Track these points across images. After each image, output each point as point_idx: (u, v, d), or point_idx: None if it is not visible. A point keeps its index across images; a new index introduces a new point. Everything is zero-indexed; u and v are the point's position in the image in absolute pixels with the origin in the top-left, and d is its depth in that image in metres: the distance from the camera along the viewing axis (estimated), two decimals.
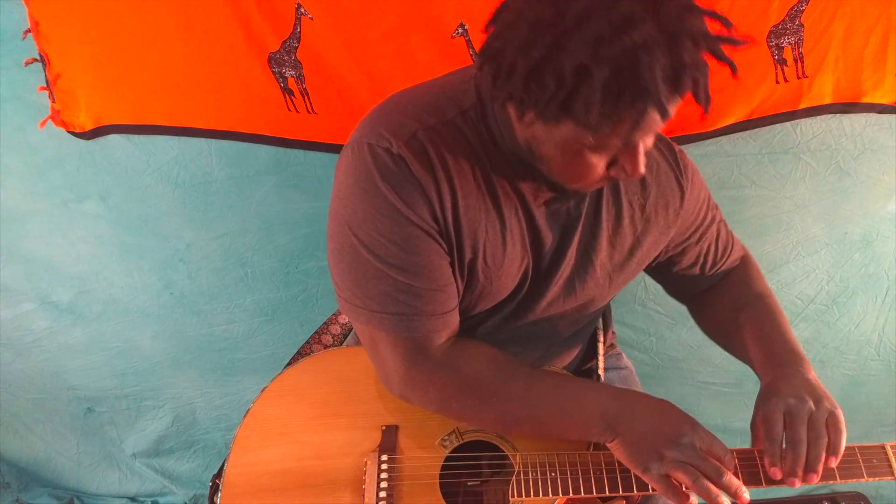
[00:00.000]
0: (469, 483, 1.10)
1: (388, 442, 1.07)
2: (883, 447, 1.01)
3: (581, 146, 0.83)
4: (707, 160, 1.60)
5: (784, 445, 0.93)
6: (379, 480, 1.03)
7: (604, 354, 1.33)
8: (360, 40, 1.48)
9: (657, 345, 1.91)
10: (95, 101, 1.59)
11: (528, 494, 1.00)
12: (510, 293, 1.07)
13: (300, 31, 1.47)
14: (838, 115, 1.54)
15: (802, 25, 1.43)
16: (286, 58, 1.51)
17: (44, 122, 1.61)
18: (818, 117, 1.55)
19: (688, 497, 0.92)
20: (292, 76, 1.53)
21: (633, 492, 0.99)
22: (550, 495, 1.00)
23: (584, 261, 1.07)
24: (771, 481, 0.96)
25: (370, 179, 0.91)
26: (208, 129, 1.62)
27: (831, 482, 0.98)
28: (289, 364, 1.22)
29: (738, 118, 1.53)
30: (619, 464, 0.99)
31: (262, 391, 1.12)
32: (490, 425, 1.06)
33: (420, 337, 0.98)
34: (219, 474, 1.08)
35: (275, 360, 1.95)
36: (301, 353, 1.33)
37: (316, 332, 1.36)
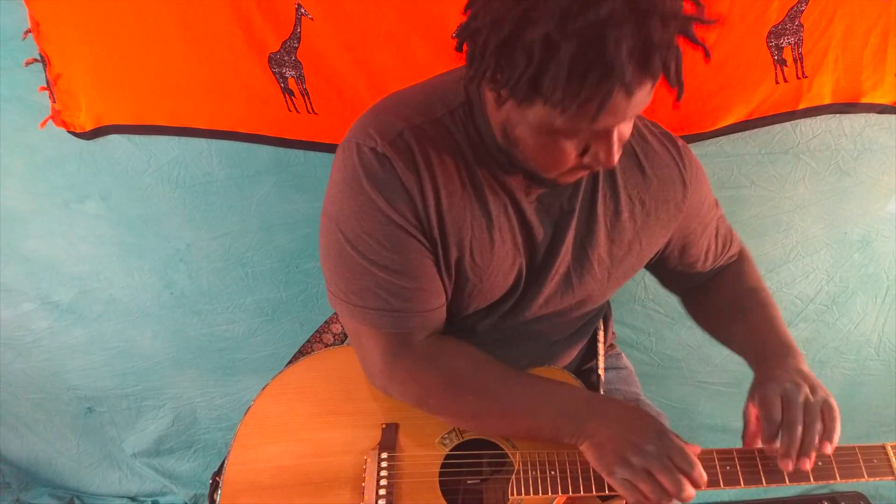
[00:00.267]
0: (469, 481, 1.10)
1: (388, 440, 1.07)
2: (883, 447, 1.01)
3: (552, 129, 0.81)
4: (707, 160, 1.60)
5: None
6: (379, 478, 1.03)
7: (604, 354, 1.33)
8: (360, 40, 1.48)
9: (657, 345, 1.91)
10: (96, 102, 1.59)
11: (527, 493, 1.00)
12: (505, 292, 1.07)
13: (300, 32, 1.48)
14: (838, 115, 1.54)
15: (802, 26, 1.43)
16: (286, 58, 1.51)
17: (44, 123, 1.61)
18: (818, 117, 1.55)
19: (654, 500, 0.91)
20: (292, 76, 1.53)
21: None
22: (550, 493, 1.00)
23: (580, 256, 1.07)
24: (771, 480, 0.97)
25: (356, 178, 0.93)
26: (209, 130, 1.62)
27: (831, 482, 0.98)
28: (290, 363, 1.22)
29: (738, 118, 1.53)
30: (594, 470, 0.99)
31: (262, 389, 1.12)
32: (467, 421, 1.06)
33: (402, 332, 1.00)
34: (219, 472, 1.09)
35: (275, 360, 1.95)
36: (302, 352, 1.33)
37: (317, 331, 1.36)
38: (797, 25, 1.43)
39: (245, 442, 1.08)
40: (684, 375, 1.96)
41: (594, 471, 0.99)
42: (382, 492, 1.02)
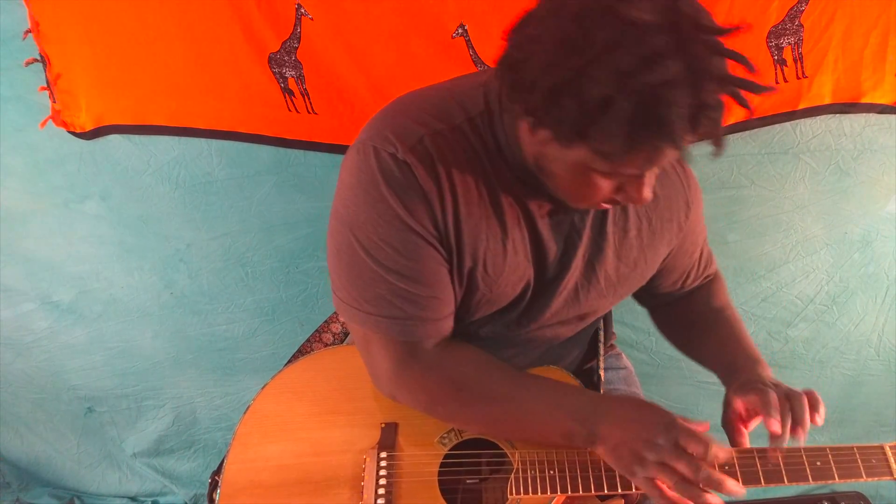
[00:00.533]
0: (468, 481, 1.09)
1: (388, 439, 1.07)
2: (882, 447, 1.01)
3: (591, 170, 0.83)
4: (707, 160, 1.58)
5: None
6: (378, 478, 1.03)
7: (604, 355, 1.33)
8: (360, 40, 1.48)
9: (657, 345, 1.90)
10: (96, 102, 1.60)
11: (526, 492, 1.00)
12: (511, 301, 1.07)
13: (300, 32, 1.48)
14: (838, 115, 1.55)
15: (802, 26, 1.44)
16: (286, 58, 1.51)
17: (44, 123, 1.61)
18: (818, 117, 1.55)
19: (676, 499, 0.91)
20: (292, 76, 1.53)
21: (631, 490, 0.98)
22: (549, 493, 0.99)
23: (588, 273, 1.07)
24: (770, 479, 0.96)
25: (374, 183, 0.90)
26: (209, 130, 1.62)
27: (830, 482, 0.98)
28: (289, 362, 1.22)
29: (738, 118, 1.53)
30: (608, 469, 0.99)
31: (262, 388, 1.12)
32: (477, 428, 1.06)
33: (412, 341, 0.98)
34: (218, 471, 1.08)
35: (275, 360, 1.95)
36: (302, 352, 1.33)
37: (317, 331, 1.36)
38: (797, 25, 1.44)
39: (244, 441, 1.08)
40: (684, 375, 1.96)
41: (593, 470, 0.99)
42: (381, 491, 1.02)
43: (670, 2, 0.71)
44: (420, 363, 1.00)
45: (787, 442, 0.93)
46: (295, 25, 1.47)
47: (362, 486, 1.03)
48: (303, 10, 1.45)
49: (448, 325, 1.02)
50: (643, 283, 1.17)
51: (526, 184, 0.96)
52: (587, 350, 1.33)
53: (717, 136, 0.77)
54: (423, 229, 0.92)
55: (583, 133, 0.75)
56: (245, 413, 1.10)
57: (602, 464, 1.00)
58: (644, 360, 1.93)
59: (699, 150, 1.56)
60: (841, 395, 1.91)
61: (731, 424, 1.03)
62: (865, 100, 1.52)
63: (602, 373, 1.30)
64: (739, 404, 1.01)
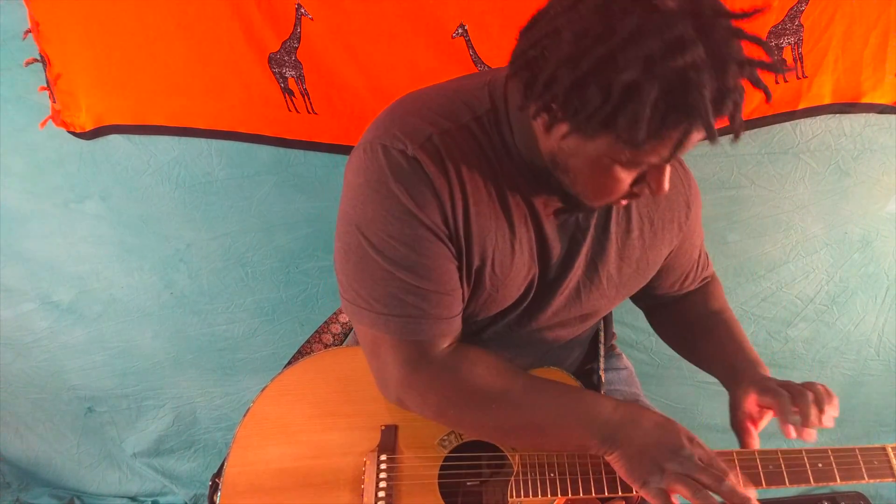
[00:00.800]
0: (468, 483, 1.10)
1: (388, 442, 1.07)
2: (884, 448, 1.01)
3: (613, 161, 0.83)
4: (707, 160, 1.61)
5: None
6: (378, 480, 1.03)
7: (604, 355, 1.33)
8: (361, 40, 1.48)
9: (657, 345, 1.90)
10: (96, 102, 1.60)
11: (526, 495, 1.00)
12: (514, 301, 1.07)
13: (300, 32, 1.48)
14: (838, 115, 1.55)
15: (802, 25, 1.44)
16: (286, 58, 1.51)
17: (44, 123, 1.61)
18: (818, 117, 1.55)
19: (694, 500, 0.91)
20: (292, 76, 1.53)
21: (632, 493, 0.98)
22: (549, 496, 0.99)
23: (591, 272, 1.07)
24: (771, 481, 0.97)
25: (382, 180, 0.90)
26: (209, 130, 1.62)
27: (831, 483, 0.98)
28: (289, 363, 1.22)
29: None
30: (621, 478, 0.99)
31: (262, 390, 1.12)
32: (488, 433, 1.05)
33: (424, 341, 0.97)
34: (218, 473, 1.08)
35: (275, 360, 1.95)
36: (301, 353, 1.33)
37: (316, 332, 1.35)
38: (797, 25, 1.43)
39: (244, 443, 1.07)
40: (684, 375, 1.96)
41: (593, 473, 0.99)
42: (382, 494, 1.02)
43: None
44: (432, 364, 0.99)
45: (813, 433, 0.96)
46: (295, 25, 1.47)
47: (362, 489, 1.03)
48: (303, 10, 1.45)
49: (457, 324, 1.01)
50: (645, 284, 1.18)
51: (533, 182, 0.96)
52: (587, 351, 1.33)
53: (737, 121, 0.79)
54: (434, 224, 0.91)
55: (609, 122, 0.76)
56: (245, 415, 1.10)
57: (603, 466, 1.00)
58: (644, 360, 1.93)
59: (699, 151, 1.57)
60: (841, 395, 1.87)
61: (740, 425, 1.03)
62: (865, 100, 1.52)
63: (602, 374, 1.30)
64: (752, 404, 1.02)
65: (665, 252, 1.14)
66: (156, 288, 1.88)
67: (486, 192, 0.95)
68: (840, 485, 1.00)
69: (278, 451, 1.06)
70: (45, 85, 1.57)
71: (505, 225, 0.97)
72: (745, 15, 0.75)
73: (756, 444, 1.02)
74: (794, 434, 0.95)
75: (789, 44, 1.45)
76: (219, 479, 1.06)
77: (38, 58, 1.54)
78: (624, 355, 1.47)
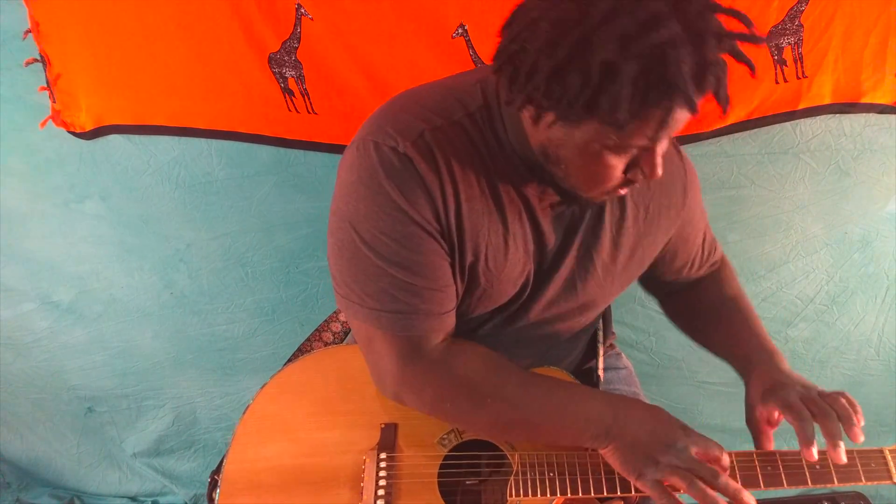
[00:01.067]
0: (467, 482, 1.09)
1: (387, 440, 1.07)
2: (881, 451, 1.01)
3: (602, 147, 0.83)
4: (707, 160, 1.61)
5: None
6: (377, 478, 1.03)
7: (603, 354, 1.33)
8: (361, 40, 1.48)
9: (657, 345, 1.91)
10: (96, 102, 1.60)
11: (526, 494, 1.00)
12: (511, 297, 1.07)
13: (300, 32, 1.48)
14: (838, 115, 1.55)
15: (802, 25, 1.44)
16: (286, 58, 1.51)
17: (44, 123, 1.61)
18: (818, 117, 1.55)
19: (689, 492, 0.92)
20: (292, 76, 1.53)
21: (630, 493, 0.98)
22: (549, 495, 0.99)
23: (584, 261, 1.07)
24: (769, 483, 0.97)
25: (374, 177, 0.90)
26: (209, 130, 1.62)
27: (829, 485, 0.98)
28: (289, 361, 1.22)
29: (738, 118, 1.54)
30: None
31: (261, 388, 1.12)
32: (483, 428, 1.06)
33: (417, 336, 0.98)
34: (217, 470, 1.08)
35: (275, 360, 1.95)
36: (301, 351, 1.33)
37: (317, 330, 1.36)
38: (797, 25, 1.43)
39: (244, 441, 1.07)
40: (684, 375, 1.96)
41: (593, 473, 0.99)
42: (381, 492, 1.02)
43: None
44: (425, 359, 0.99)
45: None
46: (295, 25, 1.47)
47: (362, 487, 1.03)
48: (303, 10, 1.45)
49: (451, 320, 1.02)
50: (642, 272, 1.17)
51: (528, 177, 0.96)
52: (586, 350, 1.33)
53: (722, 96, 0.78)
54: (425, 221, 0.92)
55: (591, 106, 0.76)
56: (244, 413, 1.10)
57: (602, 466, 1.00)
58: (644, 360, 1.93)
59: (699, 151, 1.58)
60: None
61: (756, 426, 1.03)
62: (865, 100, 1.52)
63: (601, 373, 1.30)
64: (771, 411, 1.00)
65: (662, 239, 1.14)
66: (156, 288, 1.88)
67: (478, 188, 0.95)
68: (839, 486, 1.00)
69: (278, 449, 1.06)
70: (45, 85, 1.57)
71: (498, 220, 0.97)
72: None
73: (771, 446, 1.01)
74: (815, 456, 0.92)
75: (789, 44, 1.45)
76: (218, 476, 1.06)
77: (38, 58, 1.54)
78: (623, 355, 1.47)
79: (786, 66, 1.48)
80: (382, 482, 1.03)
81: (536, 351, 1.18)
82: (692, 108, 0.76)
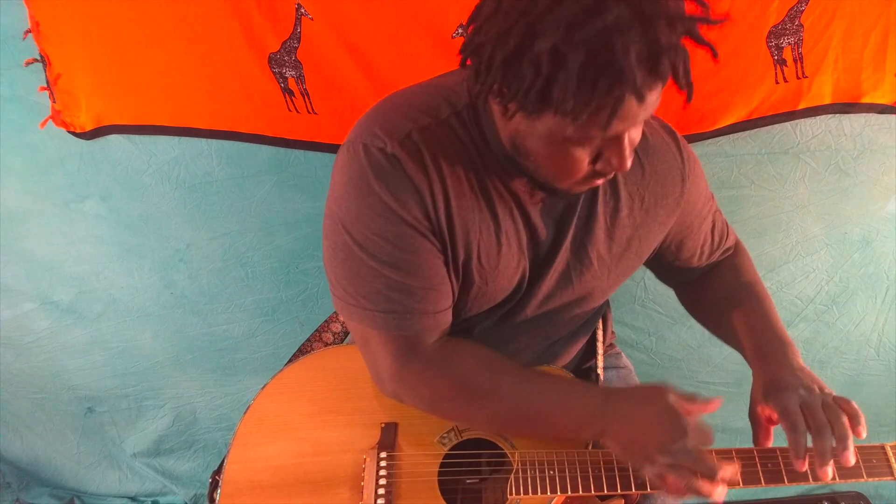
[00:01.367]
0: (468, 481, 1.10)
1: (387, 439, 1.07)
2: (882, 447, 1.01)
3: (563, 138, 0.81)
4: (707, 160, 1.60)
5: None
6: (378, 478, 1.03)
7: (603, 354, 1.33)
8: (361, 40, 1.48)
9: (657, 345, 1.90)
10: (96, 102, 1.59)
11: (526, 492, 1.00)
12: (508, 295, 1.07)
13: (300, 32, 1.48)
14: (838, 115, 1.54)
15: (802, 25, 1.43)
16: (286, 58, 1.51)
17: (44, 123, 1.61)
18: (818, 117, 1.55)
19: (685, 490, 0.91)
20: (292, 76, 1.53)
21: (631, 491, 0.99)
22: (549, 493, 1.00)
23: (579, 253, 1.07)
24: (770, 480, 0.97)
25: (364, 178, 0.91)
26: (209, 130, 1.62)
27: (831, 482, 0.98)
28: (289, 361, 1.22)
29: (738, 118, 1.53)
30: (618, 463, 1.00)
31: (262, 388, 1.12)
32: (481, 425, 1.06)
33: (412, 335, 0.98)
34: (219, 470, 1.09)
35: (275, 360, 1.95)
36: (302, 351, 1.33)
37: (317, 330, 1.36)
38: (797, 25, 1.43)
39: (244, 441, 1.08)
40: (684, 375, 1.96)
41: (593, 470, 0.99)
42: (381, 491, 1.02)
43: None
44: (421, 358, 0.99)
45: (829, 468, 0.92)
46: (295, 25, 1.47)
47: (362, 486, 1.03)
48: (303, 10, 1.45)
49: (447, 319, 1.02)
50: (641, 262, 1.17)
51: (515, 173, 0.96)
52: (586, 349, 1.33)
53: (683, 82, 0.76)
54: (416, 220, 0.92)
55: (544, 97, 0.75)
56: (245, 413, 1.10)
57: (602, 464, 1.00)
58: (644, 360, 1.93)
59: (699, 151, 1.57)
60: (841, 396, 1.91)
61: (757, 423, 1.02)
62: (865, 100, 1.52)
63: (601, 372, 1.30)
64: (770, 410, 0.99)
65: (660, 229, 1.13)
66: (156, 288, 1.88)
67: (467, 185, 0.95)
68: (839, 483, 1.00)
69: (278, 449, 1.07)
70: (45, 85, 1.57)
71: (489, 217, 0.98)
72: None
73: (770, 443, 1.01)
74: (805, 468, 0.91)
75: (789, 44, 1.45)
76: (219, 477, 1.06)
77: (38, 58, 1.54)
78: (623, 354, 1.47)
79: (786, 66, 1.47)
80: (383, 481, 1.03)
81: (535, 347, 1.18)
82: (640, 97, 0.73)
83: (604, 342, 1.35)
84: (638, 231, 1.10)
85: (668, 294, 1.35)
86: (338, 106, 1.57)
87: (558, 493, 0.99)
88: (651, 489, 0.98)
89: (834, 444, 0.91)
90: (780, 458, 0.98)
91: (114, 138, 1.64)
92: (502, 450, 1.07)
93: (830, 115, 1.54)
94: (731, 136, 1.57)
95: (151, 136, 1.64)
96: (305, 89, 1.54)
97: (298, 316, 1.91)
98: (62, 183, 1.72)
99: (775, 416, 0.99)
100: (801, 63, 1.48)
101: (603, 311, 1.33)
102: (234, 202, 1.72)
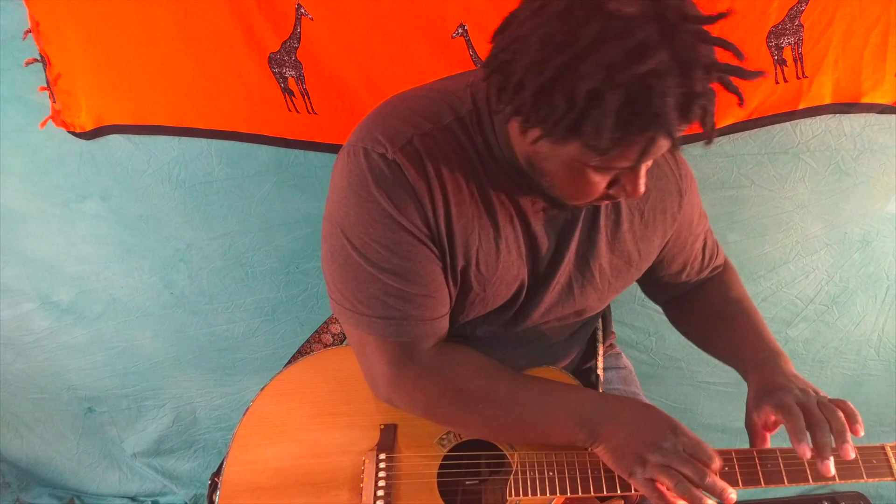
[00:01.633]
0: (467, 482, 1.10)
1: (387, 441, 1.07)
2: (882, 448, 1.01)
3: (585, 165, 0.83)
4: (707, 160, 1.60)
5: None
6: (377, 479, 1.03)
7: (603, 354, 1.33)
8: (360, 40, 1.48)
9: (657, 345, 1.90)
10: (96, 102, 1.60)
11: (525, 494, 1.00)
12: (506, 301, 1.07)
13: (300, 32, 1.48)
14: (838, 115, 1.54)
15: (802, 25, 1.43)
16: (286, 58, 1.51)
17: (44, 123, 1.61)
18: (818, 117, 1.55)
19: (674, 501, 0.92)
20: (292, 76, 1.53)
21: (630, 492, 0.99)
22: (548, 495, 1.00)
23: (582, 267, 1.07)
24: (769, 481, 0.97)
25: (364, 184, 0.91)
26: (209, 130, 1.62)
27: (831, 482, 0.98)
28: (289, 363, 1.22)
29: (738, 118, 1.53)
30: (607, 471, 0.99)
31: (261, 390, 1.12)
32: (476, 431, 1.06)
33: (408, 342, 0.98)
34: (218, 472, 1.09)
35: (275, 360, 1.95)
36: (301, 352, 1.33)
37: (316, 332, 1.36)
38: (797, 25, 1.43)
39: (243, 443, 1.08)
40: (684, 375, 1.96)
41: (592, 471, 0.99)
42: (381, 493, 1.02)
43: None
44: (417, 364, 0.99)
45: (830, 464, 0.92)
46: (295, 25, 1.47)
47: (361, 488, 1.03)
48: (303, 10, 1.45)
49: (443, 325, 1.02)
50: (639, 276, 1.17)
51: (517, 181, 0.96)
52: (585, 350, 1.33)
53: (708, 126, 0.77)
54: (415, 227, 0.92)
55: (575, 129, 0.75)
56: (244, 414, 1.10)
57: (601, 465, 1.00)
58: (644, 360, 1.93)
59: (699, 151, 1.57)
60: (841, 395, 1.86)
61: (754, 429, 1.02)
62: (865, 100, 1.52)
63: (601, 372, 1.30)
64: (767, 414, 0.99)
65: (658, 243, 1.14)
66: (156, 288, 1.88)
67: (468, 192, 0.95)
68: (839, 484, 1.00)
69: (277, 450, 1.07)
70: (45, 85, 1.57)
71: (489, 225, 0.97)
72: (711, 19, 0.74)
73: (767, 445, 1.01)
74: (809, 454, 0.91)
75: (789, 44, 1.45)
76: (218, 478, 1.06)
77: (38, 58, 1.54)
78: (623, 354, 1.47)
79: (786, 66, 1.47)
80: (382, 483, 1.03)
81: (534, 351, 1.18)
82: (674, 142, 0.75)
83: (604, 342, 1.35)
84: (638, 245, 1.10)
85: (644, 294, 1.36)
86: (338, 106, 1.56)
87: (558, 495, 0.99)
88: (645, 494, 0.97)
89: (833, 445, 0.92)
90: (779, 458, 0.98)
91: (114, 138, 1.64)
92: (502, 451, 1.07)
93: (830, 115, 1.54)
94: (731, 136, 1.57)
95: (151, 136, 1.64)
96: (305, 89, 1.54)
97: (298, 316, 1.91)
98: (62, 183, 1.72)
99: (771, 421, 0.99)
100: (801, 63, 1.48)
101: (602, 312, 1.33)
102: (234, 202, 1.72)
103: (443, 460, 1.06)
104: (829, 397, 0.97)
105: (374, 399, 1.09)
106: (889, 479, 0.99)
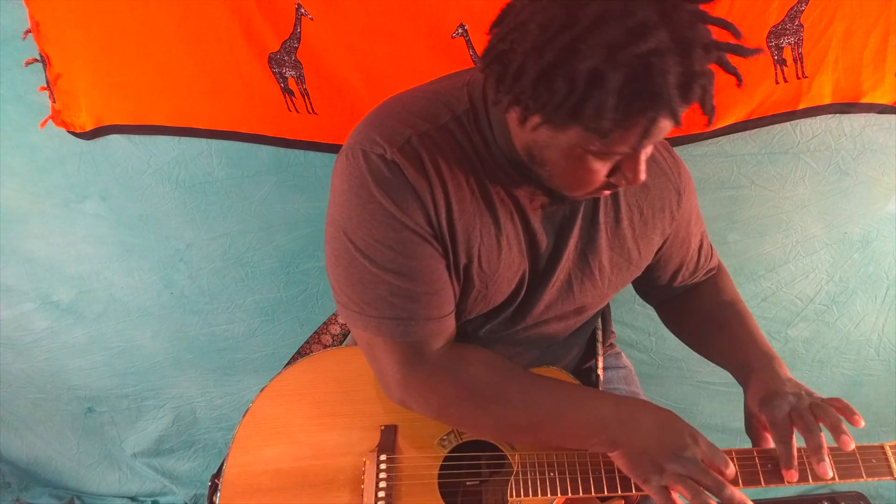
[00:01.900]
0: (468, 483, 1.10)
1: (387, 442, 1.07)
2: (882, 447, 1.01)
3: (585, 152, 0.82)
4: (707, 160, 1.60)
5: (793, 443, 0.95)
6: (378, 480, 1.03)
7: (603, 354, 1.33)
8: (360, 40, 1.48)
9: (657, 344, 1.90)
10: (96, 102, 1.60)
11: (526, 494, 1.00)
12: (507, 298, 1.07)
13: (300, 32, 1.48)
14: (838, 115, 1.54)
15: (802, 25, 1.43)
16: (286, 58, 1.51)
17: (44, 123, 1.61)
18: (818, 117, 1.55)
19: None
20: (292, 76, 1.53)
21: (631, 492, 0.99)
22: (549, 495, 1.00)
23: (582, 263, 1.07)
24: (770, 480, 0.97)
25: (364, 185, 0.91)
26: (208, 130, 1.62)
27: (830, 482, 0.98)
28: (288, 364, 1.22)
29: (738, 118, 1.53)
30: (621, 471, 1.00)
31: (261, 391, 1.12)
32: (488, 432, 1.06)
33: (417, 341, 0.98)
34: (218, 474, 1.09)
35: (275, 360, 1.95)
36: (300, 353, 1.33)
37: (315, 332, 1.36)
38: (797, 25, 1.43)
39: (243, 444, 1.08)
40: (684, 375, 1.96)
41: (593, 472, 0.99)
42: (381, 494, 1.02)
43: None
44: (427, 364, 0.99)
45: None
46: (295, 25, 1.47)
47: (362, 489, 1.03)
48: (303, 10, 1.45)
49: (450, 324, 1.02)
50: (638, 274, 1.17)
51: (516, 178, 0.96)
52: (585, 349, 1.33)
53: (708, 107, 0.77)
54: (417, 226, 0.92)
55: (576, 112, 0.75)
56: (244, 416, 1.10)
57: (602, 465, 1.00)
58: (644, 360, 1.93)
59: (699, 151, 1.57)
60: (841, 395, 1.87)
61: (756, 433, 1.02)
62: (865, 100, 1.52)
63: (601, 372, 1.30)
64: (766, 420, 0.99)
65: (657, 241, 1.14)
66: (156, 288, 1.88)
67: (468, 190, 0.95)
68: (839, 483, 1.00)
69: (277, 452, 1.07)
70: (45, 85, 1.57)
71: (490, 221, 0.98)
72: None
73: (771, 445, 1.01)
74: (795, 478, 0.93)
75: (789, 44, 1.45)
76: (218, 480, 1.06)
77: (38, 58, 1.54)
78: (623, 354, 1.47)
79: (786, 66, 1.47)
80: (383, 484, 1.03)
81: (535, 350, 1.18)
82: (675, 120, 0.75)
83: (604, 342, 1.35)
84: (637, 242, 1.10)
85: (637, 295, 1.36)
86: (338, 106, 1.56)
87: (558, 495, 0.99)
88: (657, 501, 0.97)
89: (826, 445, 0.93)
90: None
91: (114, 138, 1.64)
92: (502, 452, 1.07)
93: (830, 115, 1.54)
94: (731, 136, 1.57)
95: (151, 136, 1.64)
96: (305, 89, 1.54)
97: (298, 316, 1.91)
98: (62, 183, 1.72)
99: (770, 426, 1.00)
100: (801, 63, 1.48)
101: (602, 312, 1.34)
102: (234, 202, 1.72)
103: (444, 461, 1.06)
104: (823, 398, 0.97)
105: (375, 400, 1.10)
106: (889, 478, 0.99)
